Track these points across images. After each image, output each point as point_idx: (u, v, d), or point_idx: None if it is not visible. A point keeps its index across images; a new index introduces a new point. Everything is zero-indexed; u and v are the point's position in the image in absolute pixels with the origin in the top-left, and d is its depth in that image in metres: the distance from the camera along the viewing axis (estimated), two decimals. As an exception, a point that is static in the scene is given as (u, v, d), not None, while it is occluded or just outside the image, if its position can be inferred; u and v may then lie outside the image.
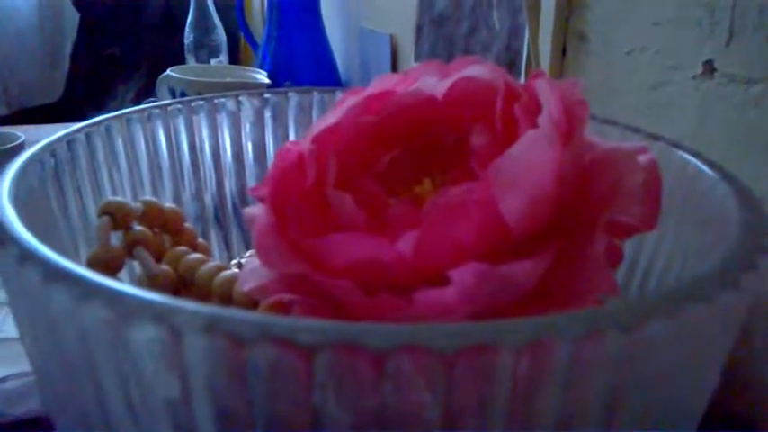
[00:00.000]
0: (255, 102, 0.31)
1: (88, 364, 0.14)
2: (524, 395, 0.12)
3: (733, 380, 0.20)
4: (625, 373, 0.13)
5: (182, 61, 1.05)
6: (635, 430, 0.15)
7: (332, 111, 0.23)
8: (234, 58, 1.43)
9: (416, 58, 0.92)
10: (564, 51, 0.64)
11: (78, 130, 0.24)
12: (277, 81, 0.96)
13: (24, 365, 0.42)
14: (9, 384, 0.41)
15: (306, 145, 0.22)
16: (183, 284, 0.24)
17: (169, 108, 0.28)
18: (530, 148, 0.19)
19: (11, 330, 0.46)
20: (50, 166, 0.22)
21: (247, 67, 0.92)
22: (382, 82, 0.24)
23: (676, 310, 0.13)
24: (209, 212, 0.32)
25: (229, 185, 0.32)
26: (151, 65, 1.54)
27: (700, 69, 0.50)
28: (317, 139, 0.22)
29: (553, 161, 0.19)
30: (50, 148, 0.22)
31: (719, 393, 0.18)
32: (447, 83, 0.23)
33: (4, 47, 1.47)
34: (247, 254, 0.28)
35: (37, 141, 0.22)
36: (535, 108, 0.20)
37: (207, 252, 0.27)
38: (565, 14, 0.63)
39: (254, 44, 1.18)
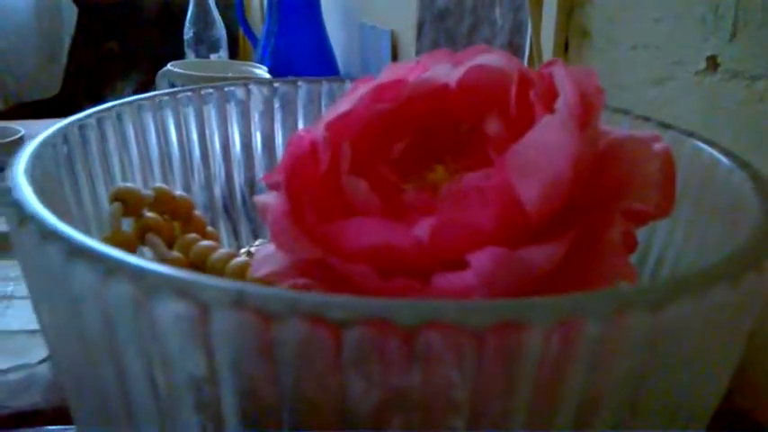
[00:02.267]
0: (265, 90, 0.31)
1: (110, 343, 0.14)
2: (551, 374, 0.12)
3: (742, 377, 0.20)
4: (651, 355, 0.13)
5: (181, 56, 1.04)
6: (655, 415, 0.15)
7: (344, 98, 0.23)
8: (233, 54, 1.43)
9: (417, 55, 0.92)
10: (566, 47, 0.64)
11: (90, 116, 0.24)
12: (276, 77, 0.96)
13: (26, 357, 0.42)
14: (11, 376, 0.41)
15: (319, 132, 0.22)
16: (194, 271, 0.24)
17: (179, 96, 0.28)
18: (547, 133, 0.19)
19: (12, 323, 0.46)
20: (63, 151, 0.22)
21: (248, 62, 0.91)
22: (394, 70, 0.24)
23: (703, 289, 0.13)
24: (218, 202, 0.31)
25: (238, 175, 0.31)
26: (150, 60, 1.54)
27: (703, 65, 0.50)
28: (330, 126, 0.22)
29: (570, 146, 0.19)
30: (63, 133, 0.22)
31: (729, 390, 0.18)
32: (460, 71, 0.23)
33: (1, 41, 1.46)
34: (256, 243, 0.28)
35: (36, 136, 0.22)
36: (550, 95, 0.20)
37: (216, 240, 0.27)
38: (567, 10, 0.63)
39: (253, 39, 1.18)
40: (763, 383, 0.40)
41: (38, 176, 0.18)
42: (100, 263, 0.13)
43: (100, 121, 0.24)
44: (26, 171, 0.18)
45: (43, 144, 0.21)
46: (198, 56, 1.05)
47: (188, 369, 0.13)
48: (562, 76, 0.20)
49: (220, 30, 1.07)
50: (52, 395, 0.39)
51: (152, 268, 0.12)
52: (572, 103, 0.19)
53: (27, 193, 0.16)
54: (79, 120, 0.23)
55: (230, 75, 0.79)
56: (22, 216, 0.15)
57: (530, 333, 0.12)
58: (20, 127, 0.73)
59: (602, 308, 0.12)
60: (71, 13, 1.55)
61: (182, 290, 0.12)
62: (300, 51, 1.05)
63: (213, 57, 1.05)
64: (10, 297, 0.50)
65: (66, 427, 0.36)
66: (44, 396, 0.39)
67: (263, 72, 0.80)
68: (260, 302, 0.12)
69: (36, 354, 0.43)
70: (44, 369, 0.41)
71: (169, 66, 0.78)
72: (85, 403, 0.16)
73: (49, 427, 0.37)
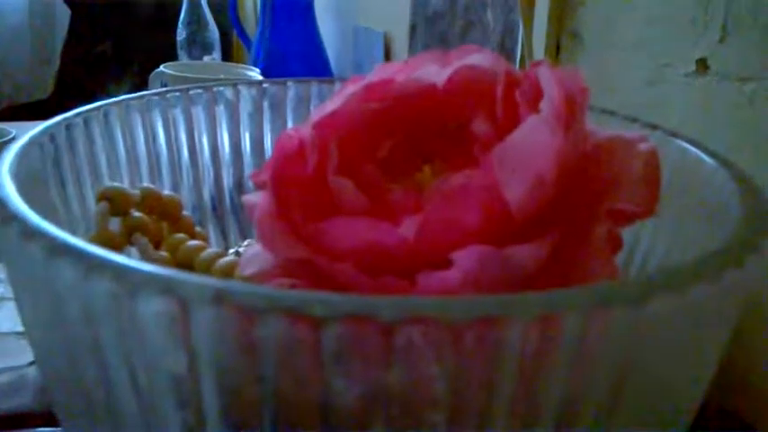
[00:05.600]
0: (254, 91, 0.31)
1: (92, 341, 0.14)
2: (531, 370, 0.12)
3: (732, 378, 0.21)
4: (631, 351, 0.13)
5: (174, 58, 1.04)
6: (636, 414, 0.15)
7: (332, 98, 0.23)
8: (226, 56, 1.43)
9: (410, 57, 0.92)
10: (558, 49, 0.64)
11: (77, 115, 0.24)
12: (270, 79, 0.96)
13: (16, 360, 0.42)
14: (1, 378, 0.41)
15: (306, 131, 0.22)
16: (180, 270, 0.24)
17: (167, 95, 0.28)
18: (531, 133, 0.19)
19: (2, 324, 0.46)
20: (49, 150, 0.22)
21: (241, 65, 0.91)
22: (383, 70, 0.24)
23: (683, 286, 0.13)
24: (207, 203, 0.31)
25: (227, 176, 0.31)
26: (143, 62, 1.53)
27: (693, 67, 0.50)
28: (317, 126, 0.22)
29: (555, 146, 0.19)
30: (49, 132, 0.22)
31: (718, 391, 0.18)
32: (447, 71, 0.23)
33: (-6, 43, 1.46)
34: (245, 243, 0.28)
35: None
36: (536, 95, 0.21)
37: (204, 240, 0.27)
38: (559, 12, 0.63)
39: (246, 41, 1.18)
40: (759, 385, 0.40)
41: (23, 176, 0.18)
42: (81, 261, 0.13)
43: (87, 121, 0.24)
44: (11, 170, 0.18)
45: (29, 143, 0.21)
46: (191, 58, 1.04)
47: (169, 366, 0.13)
48: (547, 77, 0.20)
49: (213, 32, 1.06)
50: (43, 397, 0.38)
51: (133, 266, 0.12)
52: (556, 103, 0.19)
53: (10, 192, 0.16)
54: (66, 119, 0.23)
55: (223, 77, 0.79)
56: (5, 215, 0.15)
57: (509, 328, 0.12)
58: (12, 128, 0.72)
59: (582, 303, 0.12)
60: (64, 15, 1.55)
61: (162, 287, 0.12)
62: (294, 53, 1.05)
63: (206, 59, 1.05)
64: (0, 298, 0.50)
65: (58, 429, 0.36)
66: (35, 398, 0.39)
67: (255, 74, 0.80)
68: (240, 299, 0.12)
69: (26, 356, 0.43)
70: (34, 371, 0.41)
71: (162, 67, 0.78)
72: (69, 401, 0.16)
73: (40, 429, 0.37)
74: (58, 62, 1.56)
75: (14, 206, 0.15)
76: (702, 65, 0.50)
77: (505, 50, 0.71)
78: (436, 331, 0.11)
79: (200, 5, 1.05)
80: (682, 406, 0.17)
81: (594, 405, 0.14)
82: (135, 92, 0.29)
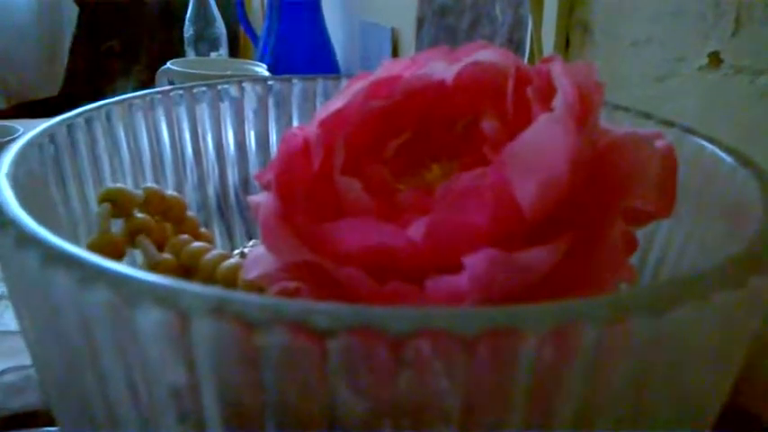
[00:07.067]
0: (259, 88, 0.30)
1: (90, 351, 0.13)
2: (546, 382, 0.12)
3: (743, 377, 0.20)
4: (650, 360, 0.13)
5: (181, 54, 1.04)
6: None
7: (338, 95, 0.23)
8: (233, 52, 1.42)
9: (417, 52, 0.91)
10: (567, 43, 0.63)
11: (78, 115, 0.23)
12: (277, 75, 0.95)
13: (23, 359, 0.42)
14: (7, 377, 0.40)
15: (312, 130, 0.22)
16: (185, 273, 0.23)
17: (171, 94, 0.28)
18: (544, 131, 0.18)
19: (9, 323, 0.46)
20: (50, 151, 0.22)
21: (248, 60, 0.91)
22: (389, 66, 0.24)
23: (707, 293, 0.12)
24: (212, 202, 0.31)
25: (232, 175, 0.31)
26: (151, 58, 1.54)
27: (705, 61, 0.49)
28: (323, 124, 0.22)
29: (568, 145, 0.18)
30: (49, 133, 0.22)
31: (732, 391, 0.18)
32: (456, 67, 0.22)
33: (2, 40, 1.46)
34: (250, 243, 0.28)
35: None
36: (547, 92, 0.20)
37: (210, 241, 0.26)
38: (568, 6, 0.62)
39: (253, 37, 1.18)
40: (765, 381, 0.39)
41: (22, 178, 0.18)
42: (77, 269, 0.12)
43: (89, 121, 0.24)
44: (9, 173, 0.17)
45: (29, 144, 0.20)
46: (198, 54, 1.04)
47: (169, 377, 0.12)
48: (560, 73, 0.20)
49: (220, 28, 1.06)
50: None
51: (130, 275, 0.12)
52: (570, 101, 0.19)
53: (7, 196, 0.15)
54: (67, 119, 0.23)
55: (230, 73, 0.79)
56: (1, 220, 0.14)
57: (522, 341, 0.11)
58: (20, 126, 0.72)
59: (599, 314, 0.11)
60: (72, 12, 1.55)
61: (161, 297, 0.11)
62: (301, 49, 1.05)
63: (213, 55, 1.04)
64: (8, 298, 0.50)
65: (63, 428, 0.36)
66: (41, 397, 0.39)
67: (262, 70, 0.80)
68: (241, 310, 0.11)
69: (32, 355, 0.42)
70: (40, 371, 0.41)
71: (169, 64, 0.77)
72: (68, 410, 0.16)
73: (46, 429, 0.37)
74: (66, 59, 1.56)
75: (11, 211, 0.15)
76: (715, 58, 0.49)
77: (514, 45, 0.70)
78: (447, 344, 0.11)
79: (207, 2, 1.05)
80: (702, 412, 0.17)
81: (612, 416, 0.13)
82: (143, 88, 0.29)
